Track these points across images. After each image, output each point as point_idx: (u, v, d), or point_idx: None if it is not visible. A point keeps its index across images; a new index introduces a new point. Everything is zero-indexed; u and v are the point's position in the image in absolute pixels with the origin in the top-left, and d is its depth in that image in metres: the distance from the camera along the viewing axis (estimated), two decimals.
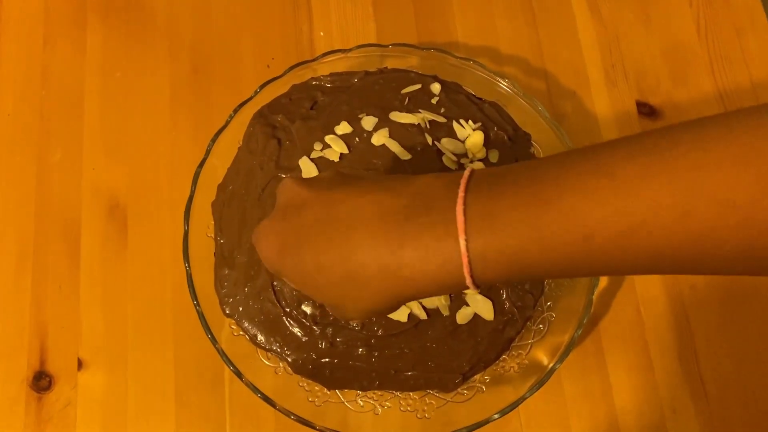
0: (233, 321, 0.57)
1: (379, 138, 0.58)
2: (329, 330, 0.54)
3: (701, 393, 0.61)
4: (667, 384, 0.61)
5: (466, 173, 0.35)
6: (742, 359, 0.61)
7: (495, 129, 0.60)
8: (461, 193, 0.34)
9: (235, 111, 0.61)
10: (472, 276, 0.34)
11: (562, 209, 0.31)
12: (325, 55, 0.63)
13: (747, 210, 0.28)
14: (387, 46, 0.64)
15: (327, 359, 0.55)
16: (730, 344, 0.62)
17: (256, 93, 0.62)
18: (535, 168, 0.34)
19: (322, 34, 0.72)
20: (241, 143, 0.62)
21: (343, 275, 0.36)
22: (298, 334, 0.55)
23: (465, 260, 0.33)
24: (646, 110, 0.69)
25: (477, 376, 0.56)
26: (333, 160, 0.58)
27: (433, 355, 0.54)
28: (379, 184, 0.38)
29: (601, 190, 0.31)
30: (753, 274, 0.32)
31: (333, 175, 0.41)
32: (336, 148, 0.58)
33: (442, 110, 0.60)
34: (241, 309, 0.56)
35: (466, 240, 0.33)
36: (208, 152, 0.60)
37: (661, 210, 0.30)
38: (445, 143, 0.58)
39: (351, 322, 0.53)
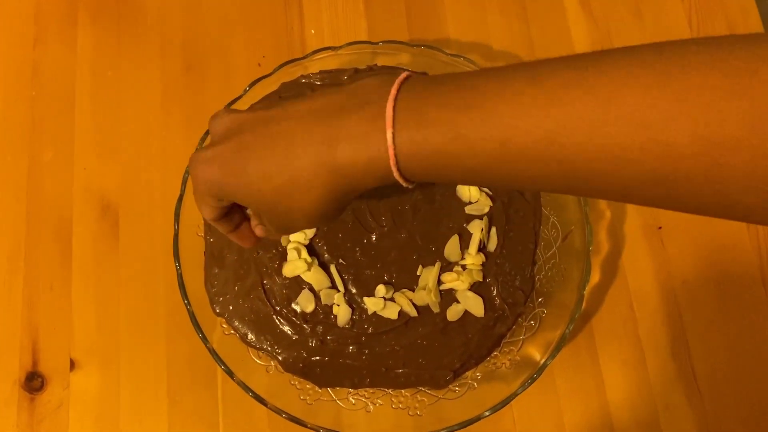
0: (224, 320, 0.57)
1: None
2: (320, 328, 0.54)
3: (694, 388, 0.61)
4: (660, 379, 0.61)
5: (402, 75, 0.37)
6: (735, 354, 0.61)
7: None
8: (393, 92, 0.35)
9: None
10: (398, 169, 0.35)
11: (484, 112, 0.33)
12: (315, 52, 0.63)
13: (656, 131, 0.29)
14: (378, 43, 0.64)
15: (317, 357, 0.55)
16: (722, 340, 0.62)
17: (245, 91, 0.62)
18: (469, 76, 0.35)
19: (312, 31, 0.72)
20: None
21: (286, 180, 0.38)
22: (289, 332, 0.55)
23: (391, 152, 0.34)
24: None
25: (468, 373, 0.56)
26: None
27: (424, 352, 0.54)
28: (315, 93, 0.40)
29: (522, 97, 0.32)
30: (662, 205, 0.32)
31: (267, 102, 0.41)
32: None
33: None
34: (231, 308, 0.56)
35: (393, 133, 0.34)
36: None
37: (575, 122, 0.30)
38: None
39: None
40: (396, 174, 0.35)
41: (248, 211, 0.47)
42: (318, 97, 0.39)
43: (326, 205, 0.39)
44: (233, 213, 0.46)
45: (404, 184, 0.37)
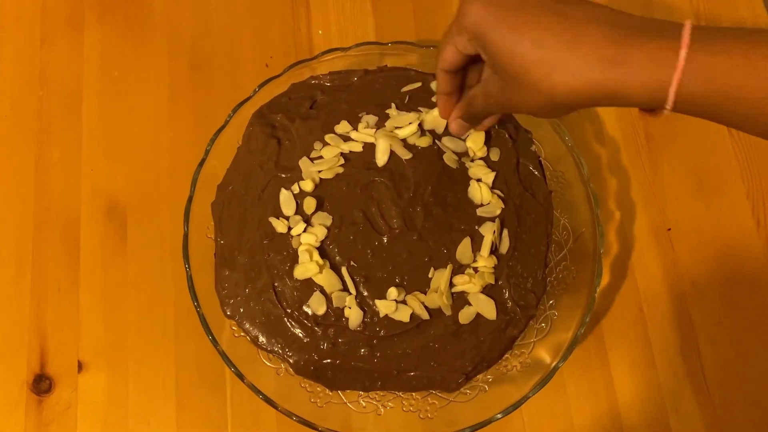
0: (234, 322, 0.57)
1: (380, 137, 0.57)
2: (331, 331, 0.54)
3: (704, 390, 0.60)
4: (669, 381, 0.61)
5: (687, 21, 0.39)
6: (745, 356, 0.61)
7: (496, 127, 0.59)
8: (688, 25, 0.38)
9: (234, 110, 0.61)
10: (678, 87, 0.38)
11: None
12: (324, 53, 0.63)
13: None
14: (386, 44, 0.64)
15: (329, 360, 0.54)
16: (732, 341, 0.62)
17: (255, 92, 0.61)
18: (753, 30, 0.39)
19: (320, 32, 0.71)
20: (240, 143, 0.62)
21: (554, 66, 0.40)
22: (300, 335, 0.55)
23: (679, 69, 0.37)
24: None
25: (480, 376, 0.56)
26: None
27: (436, 355, 0.54)
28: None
29: None
30: None
31: None
32: (336, 148, 0.58)
33: None
34: (242, 310, 0.56)
35: (687, 52, 0.37)
36: (207, 152, 0.60)
37: None
38: (446, 142, 0.58)
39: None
40: (673, 89, 0.38)
41: (471, 90, 0.49)
42: (606, 9, 0.41)
43: (569, 107, 0.42)
44: (464, 72, 0.49)
45: (667, 108, 0.39)
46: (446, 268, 0.54)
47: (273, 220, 0.56)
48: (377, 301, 0.53)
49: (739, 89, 0.37)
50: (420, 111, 0.59)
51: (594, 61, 0.39)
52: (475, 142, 0.58)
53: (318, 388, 0.56)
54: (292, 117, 0.60)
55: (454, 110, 0.53)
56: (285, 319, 0.55)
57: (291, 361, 0.55)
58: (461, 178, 0.57)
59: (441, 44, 0.48)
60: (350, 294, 0.54)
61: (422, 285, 0.54)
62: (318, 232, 0.55)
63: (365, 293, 0.54)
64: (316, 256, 0.54)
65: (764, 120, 0.38)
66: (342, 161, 0.57)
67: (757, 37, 0.37)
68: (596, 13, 0.40)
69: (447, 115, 0.53)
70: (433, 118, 0.58)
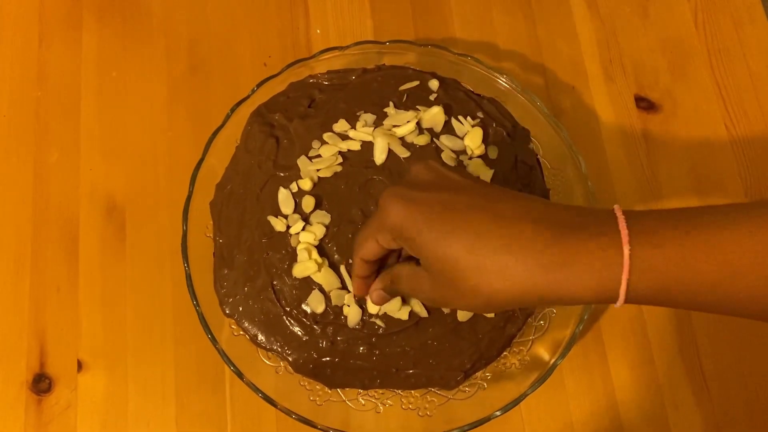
0: (233, 321, 0.57)
1: (378, 135, 0.57)
2: (330, 329, 0.54)
3: (703, 388, 0.61)
4: (668, 379, 0.61)
5: (616, 208, 0.39)
6: (743, 353, 0.61)
7: (494, 125, 0.60)
8: (620, 214, 0.38)
9: (233, 110, 0.61)
10: (627, 286, 0.36)
11: (710, 243, 0.36)
12: (322, 52, 0.63)
13: None
14: (384, 43, 0.64)
15: (328, 358, 0.54)
16: (731, 338, 0.62)
17: (253, 91, 0.61)
18: (688, 210, 0.39)
19: (318, 31, 0.71)
20: (239, 142, 0.62)
21: (491, 271, 0.38)
22: (299, 333, 0.55)
23: (626, 269, 0.36)
24: (645, 105, 0.69)
25: (478, 373, 0.56)
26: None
27: (435, 352, 0.54)
28: (531, 197, 0.41)
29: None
30: None
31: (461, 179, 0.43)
32: (334, 146, 0.58)
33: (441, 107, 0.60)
34: (241, 309, 0.56)
35: (630, 249, 0.36)
36: (205, 152, 0.60)
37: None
38: (444, 140, 0.58)
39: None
40: (623, 289, 0.37)
41: (396, 267, 0.47)
42: (539, 200, 0.40)
43: (509, 306, 0.40)
44: (383, 260, 0.47)
45: (619, 303, 0.38)
46: None
47: (272, 219, 0.56)
48: None
49: (681, 283, 0.36)
50: (418, 109, 0.59)
51: (533, 266, 0.37)
52: (473, 140, 0.58)
53: (317, 387, 0.56)
54: (291, 116, 0.60)
55: (375, 282, 0.49)
56: (284, 317, 0.55)
57: (290, 359, 0.55)
58: None
59: (360, 237, 0.45)
60: (349, 292, 0.54)
61: None
62: (317, 231, 0.55)
63: None
64: (315, 254, 0.54)
65: (720, 308, 0.37)
66: (340, 160, 0.57)
67: (687, 221, 0.37)
68: (529, 208, 0.39)
69: (364, 293, 0.50)
70: (431, 116, 0.58)
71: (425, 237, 0.40)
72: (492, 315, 0.47)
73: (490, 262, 0.38)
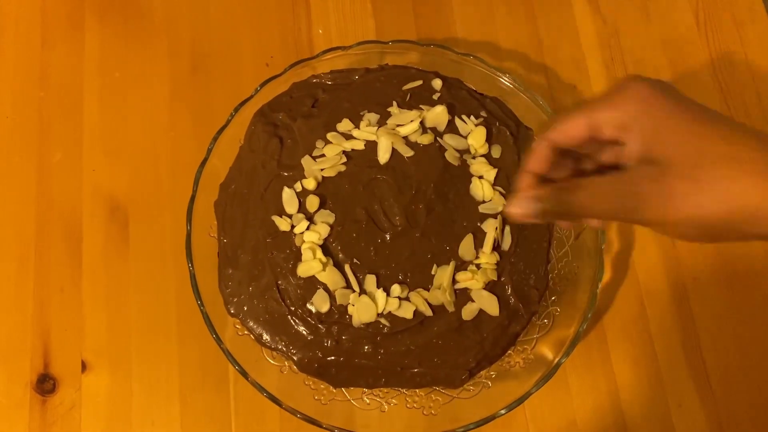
0: (237, 320, 0.57)
1: (382, 134, 0.58)
2: (335, 328, 0.54)
3: (706, 385, 0.61)
4: (671, 376, 0.61)
5: None
6: (747, 351, 0.62)
7: (497, 124, 0.60)
8: None
9: (236, 110, 0.61)
10: None
11: None
12: (325, 52, 0.63)
13: None
14: (387, 42, 0.64)
15: (333, 357, 0.54)
16: (734, 336, 0.62)
17: (256, 91, 0.62)
18: None
19: (320, 31, 0.71)
20: (242, 142, 0.62)
21: (751, 157, 0.35)
22: (304, 332, 0.55)
23: None
24: None
25: (483, 372, 0.56)
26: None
27: (439, 351, 0.54)
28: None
29: None
30: None
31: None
32: (338, 146, 0.58)
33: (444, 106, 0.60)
34: (245, 308, 0.56)
35: None
36: (209, 152, 0.60)
37: None
38: (447, 139, 0.58)
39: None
40: None
41: (577, 179, 0.40)
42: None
43: (725, 231, 0.36)
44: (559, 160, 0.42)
45: None
46: (449, 264, 0.54)
47: (276, 219, 0.56)
48: None
49: None
50: (421, 109, 0.59)
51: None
52: (476, 139, 0.58)
53: (322, 386, 0.56)
54: (294, 116, 0.60)
55: (535, 189, 0.42)
56: (288, 316, 0.55)
57: (295, 358, 0.55)
58: (463, 175, 0.57)
59: (564, 116, 0.40)
60: (353, 291, 0.54)
61: (425, 282, 0.54)
62: (321, 230, 0.55)
63: (368, 290, 0.54)
64: (320, 253, 0.54)
65: None
66: (344, 159, 0.57)
67: None
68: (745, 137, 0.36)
69: (527, 193, 0.41)
70: (434, 115, 0.58)
71: (675, 119, 0.37)
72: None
73: (748, 156, 0.35)
